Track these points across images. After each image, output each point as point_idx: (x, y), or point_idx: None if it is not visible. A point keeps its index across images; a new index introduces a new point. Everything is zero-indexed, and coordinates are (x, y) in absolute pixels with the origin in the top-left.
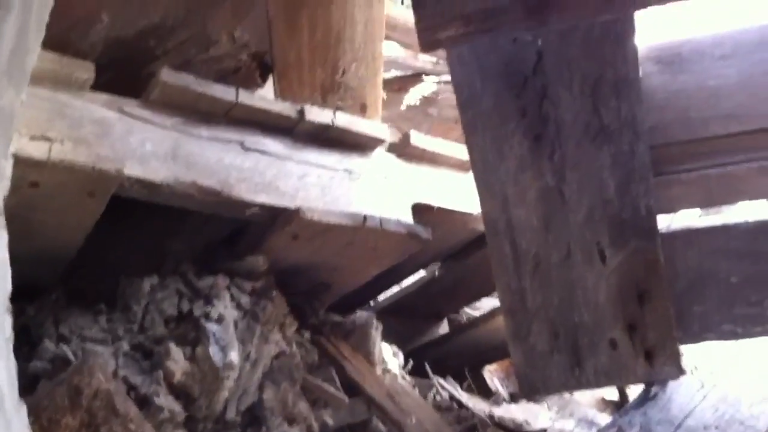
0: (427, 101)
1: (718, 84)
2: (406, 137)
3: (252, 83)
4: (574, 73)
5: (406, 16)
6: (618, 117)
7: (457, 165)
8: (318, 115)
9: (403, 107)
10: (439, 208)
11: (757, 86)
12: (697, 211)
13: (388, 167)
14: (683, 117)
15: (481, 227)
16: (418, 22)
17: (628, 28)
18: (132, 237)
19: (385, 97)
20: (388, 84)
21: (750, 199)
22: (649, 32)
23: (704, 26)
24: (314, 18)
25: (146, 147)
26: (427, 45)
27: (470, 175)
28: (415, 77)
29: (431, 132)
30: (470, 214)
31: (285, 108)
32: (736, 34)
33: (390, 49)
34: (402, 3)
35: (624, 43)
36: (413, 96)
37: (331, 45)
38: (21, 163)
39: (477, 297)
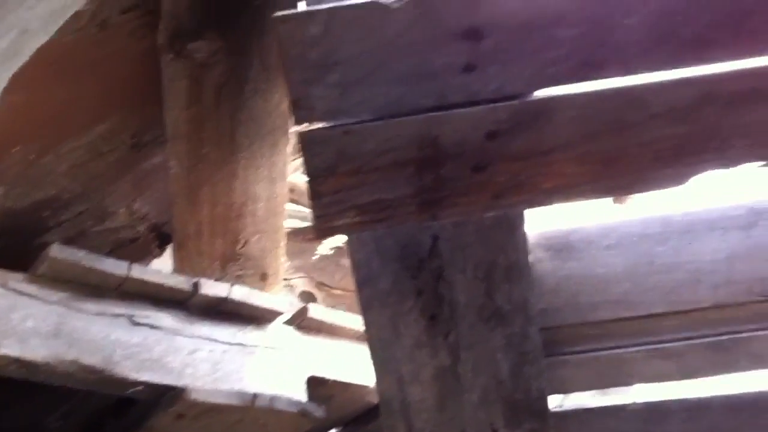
0: (340, 252)
1: (606, 272)
2: (303, 310)
3: (149, 253)
4: (468, 258)
5: None
6: (510, 300)
7: (356, 336)
8: (213, 288)
9: (315, 257)
10: (335, 381)
11: (642, 275)
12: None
13: (284, 340)
14: (573, 301)
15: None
16: (314, 210)
17: (519, 218)
18: (7, 416)
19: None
20: (301, 233)
21: (639, 382)
22: (540, 220)
23: (592, 216)
24: (216, 193)
25: (28, 324)
26: (322, 233)
27: None
28: None
29: (343, 282)
30: (367, 387)
31: (179, 281)
32: (621, 226)
33: (305, 199)
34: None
35: (515, 231)
36: (326, 246)
37: (232, 218)
38: None
39: None
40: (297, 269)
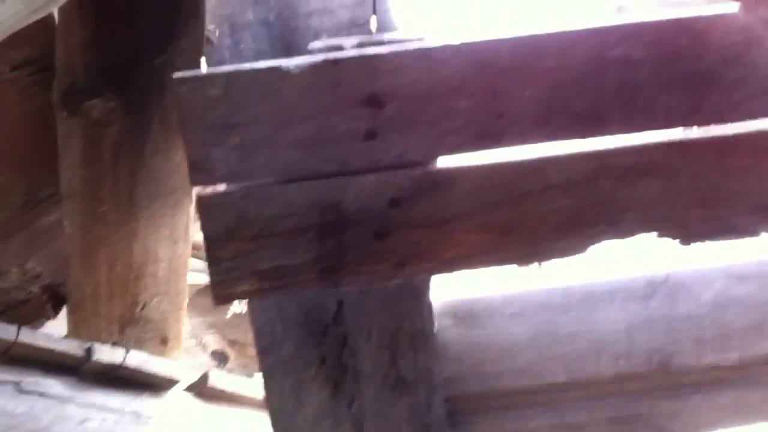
0: None
1: (510, 341)
2: (204, 377)
3: (43, 315)
4: (372, 325)
5: None
6: (414, 369)
7: (259, 405)
8: (107, 353)
9: (228, 315)
10: None
11: (544, 345)
12: None
13: (183, 408)
14: (478, 370)
15: None
16: (212, 277)
17: (424, 285)
18: None
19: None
20: None
21: None
22: (445, 287)
23: (497, 284)
24: (114, 253)
25: None
26: (220, 299)
27: None
28: None
29: None
30: None
31: (71, 346)
32: (524, 295)
33: None
34: None
35: (420, 298)
36: (239, 303)
37: (131, 279)
38: None
39: None
40: (209, 326)
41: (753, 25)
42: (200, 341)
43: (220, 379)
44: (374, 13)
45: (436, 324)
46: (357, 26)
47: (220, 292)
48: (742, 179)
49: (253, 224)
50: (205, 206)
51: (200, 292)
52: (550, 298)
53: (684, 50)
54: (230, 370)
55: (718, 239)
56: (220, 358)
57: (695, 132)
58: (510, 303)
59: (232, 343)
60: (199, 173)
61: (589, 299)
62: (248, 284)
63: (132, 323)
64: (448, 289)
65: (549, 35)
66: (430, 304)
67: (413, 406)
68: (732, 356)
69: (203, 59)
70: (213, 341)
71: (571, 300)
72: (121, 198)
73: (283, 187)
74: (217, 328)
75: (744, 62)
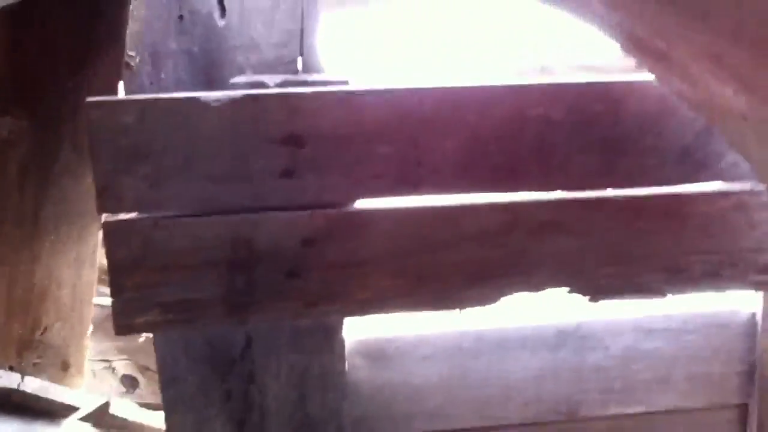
0: None
1: (421, 383)
2: (105, 405)
3: None
4: (281, 363)
5: None
6: (323, 408)
7: None
8: (2, 378)
9: (141, 339)
10: None
11: (454, 388)
12: None
13: None
14: (388, 412)
15: None
16: (114, 306)
17: (337, 324)
18: None
19: None
20: None
21: None
22: (358, 326)
23: (410, 324)
24: (15, 275)
25: None
26: (122, 329)
27: None
28: None
29: None
30: None
31: None
32: (437, 338)
33: None
34: None
35: (332, 336)
36: None
37: (32, 303)
38: None
39: None
40: (120, 351)
41: (667, 96)
42: (110, 366)
43: (122, 409)
44: (301, 53)
45: (348, 363)
46: (282, 65)
47: (122, 322)
48: (651, 241)
49: (161, 255)
50: (111, 234)
51: (111, 316)
52: (462, 342)
53: (601, 115)
54: (140, 396)
55: (627, 298)
56: (130, 383)
57: (609, 193)
58: (423, 345)
59: (143, 368)
60: (107, 200)
61: (501, 345)
62: (152, 316)
63: (31, 347)
64: (361, 328)
65: (472, 89)
66: (342, 343)
67: None
68: (637, 408)
69: (121, 85)
70: (123, 366)
71: (483, 345)
72: (25, 219)
73: (194, 220)
74: (128, 353)
75: (658, 130)
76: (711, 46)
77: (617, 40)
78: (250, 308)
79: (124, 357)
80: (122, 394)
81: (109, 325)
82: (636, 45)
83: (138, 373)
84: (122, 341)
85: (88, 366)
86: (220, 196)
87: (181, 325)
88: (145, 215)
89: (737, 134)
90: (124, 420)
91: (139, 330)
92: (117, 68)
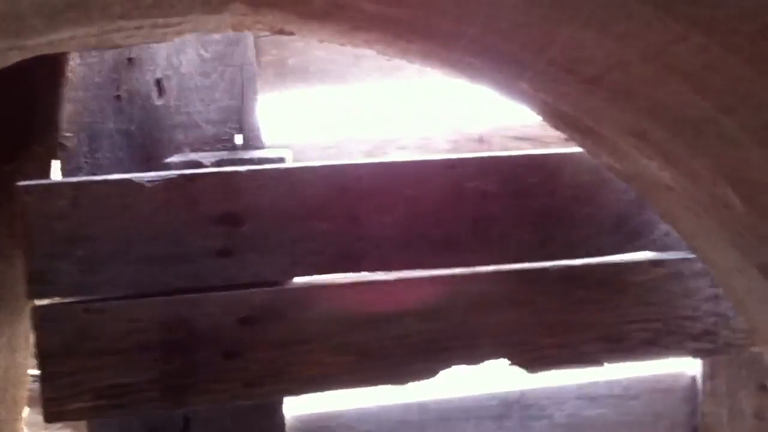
0: None
1: None
2: None
3: None
4: None
5: None
6: None
7: None
8: None
9: None
10: None
11: None
12: None
13: None
14: None
15: None
16: (44, 393)
17: (277, 401)
18: None
19: None
20: None
21: None
22: (298, 403)
23: (351, 400)
24: None
25: None
26: (51, 417)
27: None
28: None
29: None
30: None
31: None
32: (381, 412)
33: None
34: None
35: (273, 415)
36: None
37: None
38: None
39: None
40: (65, 425)
41: (600, 168)
42: None
43: None
44: (240, 129)
45: None
46: (221, 141)
47: (52, 409)
48: (589, 311)
49: (94, 340)
50: (40, 320)
51: None
52: (406, 416)
53: (537, 186)
54: None
55: (567, 368)
56: None
57: (546, 264)
58: (366, 419)
59: None
60: (39, 285)
61: (445, 417)
62: (83, 402)
63: None
64: (302, 404)
65: (408, 163)
66: (282, 421)
67: None
68: None
69: (56, 166)
70: None
71: (427, 417)
72: None
73: (129, 303)
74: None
75: (593, 200)
76: (634, 123)
77: (547, 119)
78: (187, 391)
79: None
80: None
81: None
82: (564, 122)
83: None
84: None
85: None
86: (156, 277)
87: (114, 410)
88: (78, 299)
89: (666, 204)
90: None
91: (70, 417)
92: (52, 150)
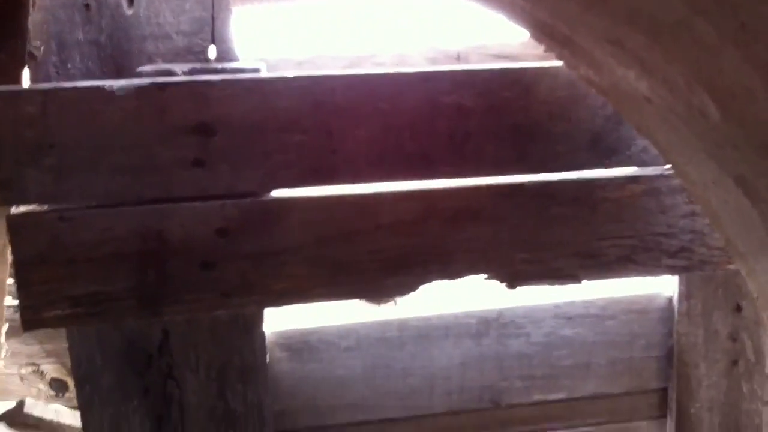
0: None
1: (345, 374)
2: (19, 405)
3: None
4: (200, 356)
5: None
6: (245, 402)
7: None
8: None
9: None
10: None
11: (378, 378)
12: None
13: None
14: (311, 404)
15: None
16: (21, 301)
17: (256, 316)
18: None
19: None
20: None
21: None
22: (278, 319)
23: (332, 316)
24: None
25: None
26: (29, 324)
27: None
28: None
29: None
30: None
31: None
32: (360, 328)
33: None
34: None
35: (252, 329)
36: None
37: None
38: None
39: None
40: (48, 354)
41: (576, 83)
42: (38, 369)
43: (36, 408)
44: (213, 41)
45: (269, 356)
46: (194, 53)
47: (29, 317)
48: (564, 227)
49: (68, 249)
50: (15, 227)
51: None
52: (386, 332)
53: (512, 102)
54: (69, 400)
55: (543, 284)
56: (59, 386)
57: (521, 179)
58: (346, 336)
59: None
60: (10, 192)
61: (424, 335)
62: (60, 310)
63: None
64: (283, 320)
65: (384, 76)
66: (262, 336)
67: None
68: (559, 395)
69: (25, 75)
70: (52, 369)
71: (407, 335)
72: None
73: (102, 212)
74: (57, 356)
75: (568, 116)
76: (610, 30)
77: (526, 27)
78: (164, 301)
79: (53, 360)
80: (51, 398)
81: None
82: (543, 31)
83: (67, 377)
84: (50, 344)
85: (16, 370)
86: (129, 187)
87: (90, 318)
88: (51, 208)
89: (642, 117)
90: (39, 419)
91: (47, 324)
92: (20, 59)
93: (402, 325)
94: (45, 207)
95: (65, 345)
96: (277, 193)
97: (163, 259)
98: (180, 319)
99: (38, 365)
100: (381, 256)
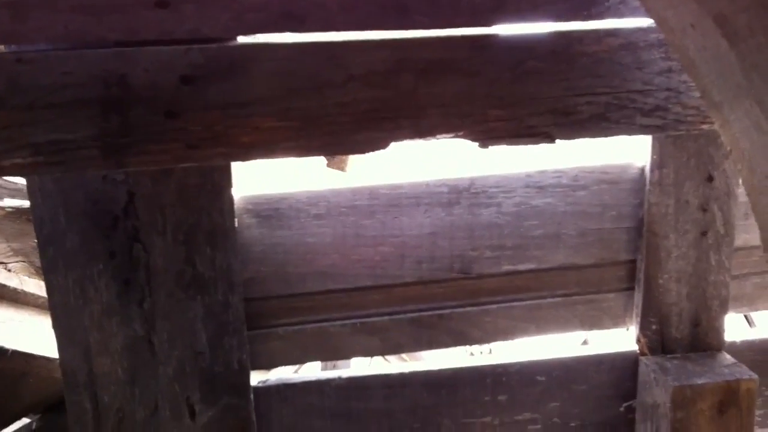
0: None
1: (315, 242)
2: None
3: None
4: (167, 219)
5: None
6: (213, 267)
7: (46, 306)
8: None
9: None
10: (16, 352)
11: (349, 247)
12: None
13: None
14: (281, 271)
15: None
16: None
17: (225, 179)
18: None
19: None
20: (22, 213)
21: (345, 357)
22: (249, 183)
23: (302, 183)
24: None
25: None
26: None
27: None
28: None
29: None
30: (56, 360)
31: None
32: (330, 195)
33: None
34: None
35: (221, 193)
36: None
37: None
38: None
39: None
40: (16, 253)
41: None
42: (6, 268)
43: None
44: None
45: (238, 222)
46: None
47: None
48: (539, 81)
49: (27, 93)
50: None
51: (8, 215)
52: (356, 200)
53: None
54: None
55: (516, 144)
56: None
57: (496, 30)
58: (316, 203)
59: (40, 270)
60: None
61: (395, 203)
62: (20, 158)
63: None
64: (252, 186)
65: None
66: (231, 199)
67: (210, 305)
68: (529, 265)
69: None
70: (19, 269)
71: (377, 203)
72: None
73: (63, 54)
74: (25, 255)
75: None
76: None
77: None
78: (128, 150)
79: (20, 259)
80: None
81: (5, 225)
82: None
83: (35, 277)
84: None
85: None
86: (90, 28)
87: (52, 167)
88: (8, 49)
89: None
90: (3, 286)
91: (7, 173)
92: None
93: (373, 193)
94: (2, 48)
95: (33, 243)
96: (245, 39)
97: (127, 107)
98: (150, 178)
99: (5, 264)
100: (352, 109)
